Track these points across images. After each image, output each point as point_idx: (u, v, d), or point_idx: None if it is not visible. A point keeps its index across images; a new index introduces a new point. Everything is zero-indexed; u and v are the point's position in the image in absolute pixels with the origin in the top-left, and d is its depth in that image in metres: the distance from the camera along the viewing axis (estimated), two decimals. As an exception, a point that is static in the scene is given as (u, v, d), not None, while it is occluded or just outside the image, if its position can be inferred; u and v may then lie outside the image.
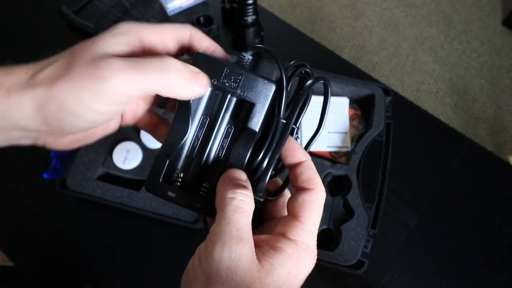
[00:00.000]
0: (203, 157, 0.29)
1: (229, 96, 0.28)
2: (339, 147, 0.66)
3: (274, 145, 0.28)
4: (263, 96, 0.28)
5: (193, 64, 0.27)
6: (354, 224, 0.59)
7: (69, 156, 0.62)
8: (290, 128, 0.28)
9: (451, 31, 1.64)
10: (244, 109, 0.29)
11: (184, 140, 0.29)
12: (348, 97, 0.68)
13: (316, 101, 0.67)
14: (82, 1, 0.81)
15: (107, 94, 0.24)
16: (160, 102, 0.32)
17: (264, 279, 0.24)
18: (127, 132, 0.64)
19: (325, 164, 0.63)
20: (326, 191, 0.65)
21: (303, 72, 0.29)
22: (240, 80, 0.28)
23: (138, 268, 0.61)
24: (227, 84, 0.28)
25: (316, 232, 0.27)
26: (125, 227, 0.63)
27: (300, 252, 0.25)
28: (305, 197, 0.27)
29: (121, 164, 0.62)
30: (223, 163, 0.29)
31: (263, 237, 0.26)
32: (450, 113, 1.49)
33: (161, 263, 0.61)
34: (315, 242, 0.27)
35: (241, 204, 0.25)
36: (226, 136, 0.29)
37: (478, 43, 1.62)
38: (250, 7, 0.65)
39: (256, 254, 0.24)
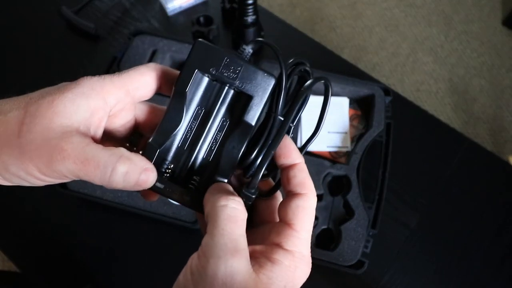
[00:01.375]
0: (195, 150, 0.28)
1: (226, 87, 0.28)
2: (339, 147, 0.66)
3: (270, 142, 0.27)
4: (262, 89, 0.27)
5: (190, 52, 0.26)
6: (354, 224, 0.59)
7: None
8: (287, 126, 0.27)
9: (451, 31, 1.64)
10: (241, 102, 0.28)
11: (177, 130, 0.28)
12: (348, 97, 0.68)
13: (316, 101, 0.67)
14: (82, 1, 0.81)
15: (52, 173, 0.23)
16: (130, 142, 0.31)
17: None
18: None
19: (325, 164, 0.63)
20: (326, 191, 0.65)
21: (302, 70, 0.28)
22: (239, 71, 0.27)
23: (138, 268, 0.61)
24: (226, 74, 0.27)
25: (310, 239, 0.26)
26: (125, 227, 0.63)
27: (297, 263, 0.25)
28: (298, 203, 0.26)
29: (121, 164, 0.62)
30: (216, 157, 0.28)
31: (258, 247, 0.26)
32: (450, 113, 1.49)
33: (161, 263, 0.61)
34: (309, 250, 0.26)
35: (234, 213, 0.24)
36: (220, 129, 0.28)
37: (478, 43, 1.62)
38: (250, 7, 0.66)
39: (253, 266, 0.24)
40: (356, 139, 0.66)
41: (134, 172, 0.25)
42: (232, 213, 0.24)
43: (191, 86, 0.27)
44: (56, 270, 0.62)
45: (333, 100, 0.68)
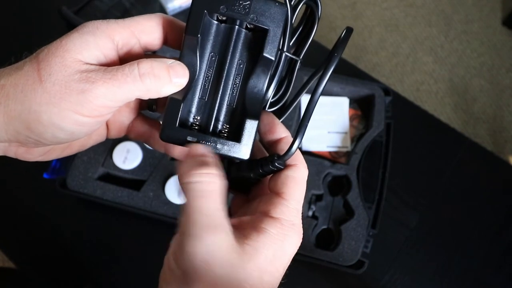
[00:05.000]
0: (217, 98, 0.27)
1: (236, 28, 0.27)
2: (339, 147, 0.66)
3: (277, 78, 0.27)
4: (276, 20, 0.26)
5: None
6: (354, 224, 0.59)
7: (69, 156, 0.62)
8: (298, 64, 0.27)
9: (451, 31, 1.64)
10: (256, 39, 0.27)
11: (195, 79, 0.27)
12: (348, 97, 0.68)
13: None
14: (82, 1, 0.81)
15: (86, 106, 0.23)
16: (149, 106, 0.31)
17: (247, 264, 0.22)
18: (127, 132, 0.64)
19: (325, 164, 0.62)
20: (326, 191, 0.65)
21: (310, 0, 0.27)
22: (249, 5, 0.26)
23: (137, 268, 0.61)
24: (237, 11, 0.25)
25: (300, 209, 0.26)
26: (125, 227, 0.63)
27: (285, 232, 0.24)
28: (287, 173, 0.25)
29: (121, 164, 0.62)
30: (240, 101, 0.27)
31: (245, 218, 0.25)
32: (450, 113, 1.49)
33: (161, 263, 0.61)
34: (300, 220, 0.25)
35: (207, 187, 0.23)
36: (238, 72, 0.27)
37: (478, 43, 1.61)
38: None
39: (239, 238, 0.23)
40: (356, 139, 0.66)
41: (160, 66, 0.25)
42: (204, 188, 0.23)
43: (201, 31, 0.26)
44: (55, 270, 0.62)
45: (333, 100, 0.68)
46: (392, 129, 0.65)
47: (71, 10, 0.79)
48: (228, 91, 0.28)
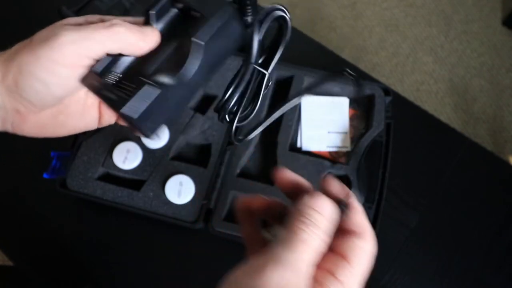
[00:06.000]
0: (144, 66, 0.31)
1: (176, 11, 0.33)
2: (339, 147, 0.66)
3: (243, 88, 0.30)
4: (212, 10, 0.31)
5: None
6: (354, 224, 0.59)
7: (69, 156, 0.62)
8: (268, 79, 0.30)
9: (451, 31, 1.64)
10: (191, 24, 0.31)
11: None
12: (348, 97, 0.68)
13: (317, 101, 0.67)
14: (82, 1, 0.81)
15: (58, 50, 0.27)
16: None
17: None
18: (127, 132, 0.64)
19: (325, 164, 0.62)
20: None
21: (279, 17, 0.30)
22: None
23: (138, 268, 0.61)
24: None
25: (362, 280, 0.26)
26: (125, 227, 0.63)
27: None
28: (357, 243, 0.26)
29: (121, 164, 0.62)
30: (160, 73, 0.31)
31: None
32: (450, 113, 1.49)
33: (161, 263, 0.61)
34: None
35: (308, 238, 0.24)
36: (169, 51, 0.32)
37: (478, 43, 1.61)
38: (249, 6, 0.65)
39: None
40: (356, 139, 0.66)
41: (133, 25, 0.31)
42: (306, 237, 0.24)
43: (159, 11, 0.33)
44: (55, 270, 0.62)
45: (333, 100, 0.68)
46: (392, 129, 0.64)
47: (71, 10, 0.79)
48: (154, 63, 0.32)
